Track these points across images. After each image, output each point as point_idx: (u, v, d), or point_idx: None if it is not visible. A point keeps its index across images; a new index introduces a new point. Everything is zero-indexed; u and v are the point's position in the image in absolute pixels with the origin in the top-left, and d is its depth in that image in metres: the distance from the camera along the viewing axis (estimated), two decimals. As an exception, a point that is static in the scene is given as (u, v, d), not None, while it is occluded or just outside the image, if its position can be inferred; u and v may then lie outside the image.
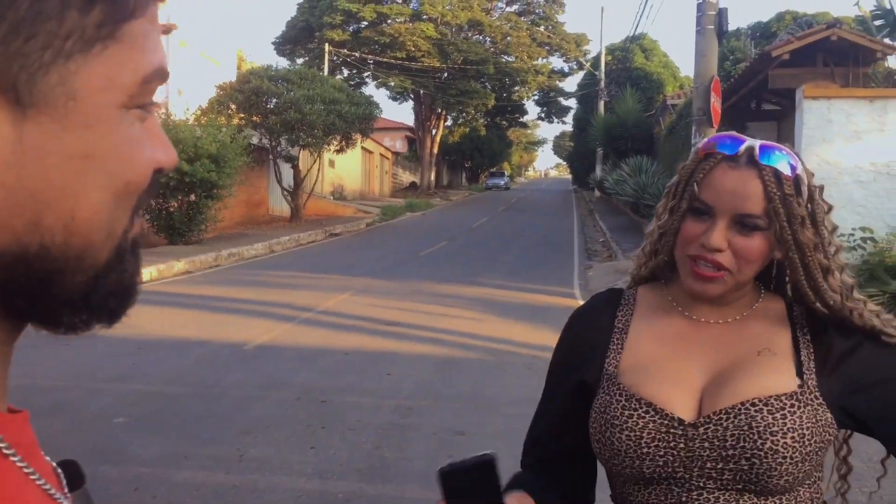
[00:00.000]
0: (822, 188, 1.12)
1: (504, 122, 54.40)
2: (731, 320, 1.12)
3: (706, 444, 1.02)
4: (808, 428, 1.00)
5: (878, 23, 13.61)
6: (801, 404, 1.02)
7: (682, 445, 1.03)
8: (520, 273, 12.67)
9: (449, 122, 48.79)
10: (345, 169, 32.53)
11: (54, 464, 0.51)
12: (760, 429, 1.00)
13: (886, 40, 12.76)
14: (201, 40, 23.20)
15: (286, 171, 22.07)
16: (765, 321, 1.12)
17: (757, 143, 1.08)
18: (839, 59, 10.57)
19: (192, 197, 15.23)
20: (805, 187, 1.07)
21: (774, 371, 1.05)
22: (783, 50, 10.28)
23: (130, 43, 0.44)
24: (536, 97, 49.41)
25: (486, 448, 0.95)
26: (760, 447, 0.99)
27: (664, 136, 22.29)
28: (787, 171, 1.05)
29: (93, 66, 0.42)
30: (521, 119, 56.27)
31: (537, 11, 44.32)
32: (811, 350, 1.07)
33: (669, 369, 1.09)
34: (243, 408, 5.15)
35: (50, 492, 0.46)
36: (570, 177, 59.34)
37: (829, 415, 1.03)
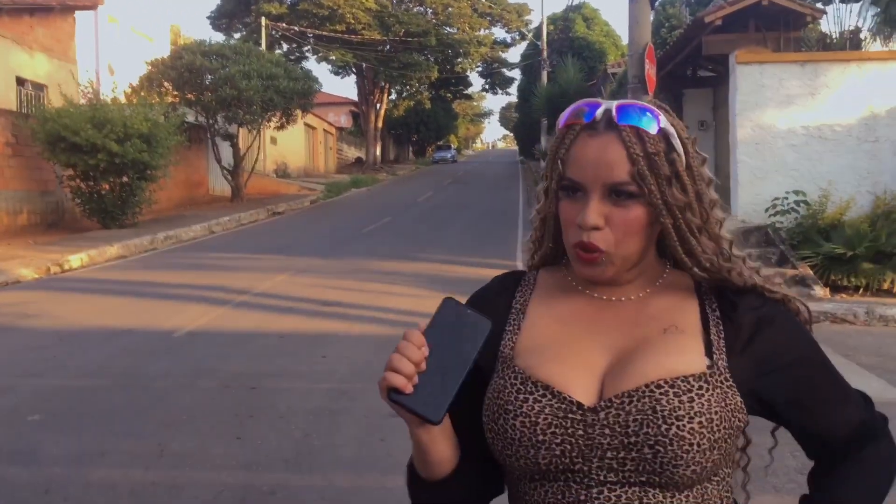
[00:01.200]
0: (695, 140, 1.03)
1: (448, 95, 54.02)
2: (635, 297, 1.04)
3: (607, 431, 0.93)
4: (716, 412, 0.92)
5: (811, -13, 13.79)
6: (711, 386, 0.93)
7: (580, 432, 0.94)
8: (464, 247, 12.58)
9: (393, 96, 48.25)
10: (288, 146, 31.93)
11: None
12: (665, 413, 0.91)
13: (818, 4, 12.92)
14: (132, 15, 22.37)
15: (225, 149, 21.54)
16: (672, 296, 1.03)
17: (614, 103, 0.99)
18: (771, 23, 10.63)
19: (125, 178, 14.75)
20: (676, 140, 0.99)
21: (682, 350, 0.97)
22: (715, 16, 10.30)
23: None
24: (480, 69, 49.17)
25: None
26: (665, 433, 0.91)
27: (606, 105, 22.35)
28: (650, 127, 0.97)
29: None
30: (466, 91, 55.95)
31: (478, -19, 43.93)
32: (721, 328, 0.99)
33: (569, 350, 1.00)
34: (167, 399, 4.95)
35: None
36: (517, 148, 59.34)
37: (738, 399, 0.95)
